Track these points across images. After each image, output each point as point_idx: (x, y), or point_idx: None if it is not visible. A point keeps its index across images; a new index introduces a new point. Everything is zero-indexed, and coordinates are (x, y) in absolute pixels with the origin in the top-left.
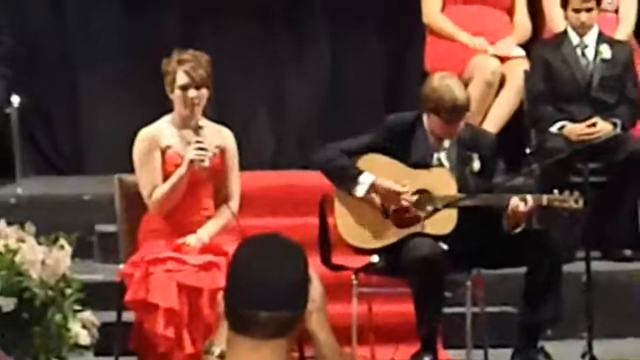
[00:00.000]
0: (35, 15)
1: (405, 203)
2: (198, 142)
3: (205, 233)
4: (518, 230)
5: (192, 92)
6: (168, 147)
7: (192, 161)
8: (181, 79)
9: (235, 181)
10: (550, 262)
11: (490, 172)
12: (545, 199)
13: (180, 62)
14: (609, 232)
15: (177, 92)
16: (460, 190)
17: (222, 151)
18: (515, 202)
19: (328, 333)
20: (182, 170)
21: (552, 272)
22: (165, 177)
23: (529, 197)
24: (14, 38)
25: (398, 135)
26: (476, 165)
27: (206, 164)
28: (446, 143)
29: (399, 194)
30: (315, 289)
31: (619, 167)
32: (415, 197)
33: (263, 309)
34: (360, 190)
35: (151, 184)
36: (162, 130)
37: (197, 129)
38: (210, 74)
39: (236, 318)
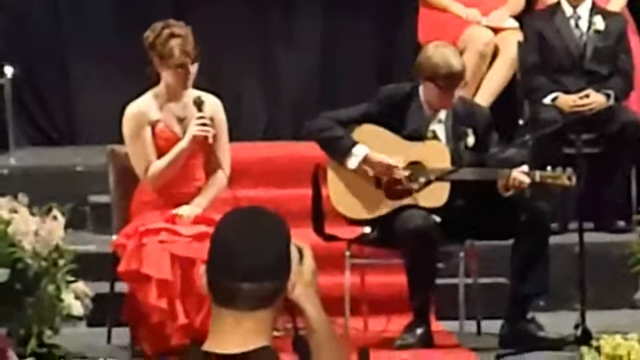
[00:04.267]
0: None
1: (397, 177)
2: (200, 117)
3: (197, 204)
4: (509, 193)
5: (192, 68)
6: (157, 121)
7: (194, 137)
8: (178, 58)
9: (226, 150)
10: (537, 233)
11: (484, 148)
12: (537, 175)
13: (172, 36)
14: (602, 203)
15: (173, 69)
16: (453, 164)
17: (211, 120)
18: (520, 176)
19: (318, 308)
20: (183, 145)
21: (538, 244)
22: (157, 150)
23: (533, 173)
24: (6, 10)
25: (393, 106)
26: (470, 140)
27: (210, 140)
28: (442, 115)
29: (391, 167)
30: (307, 265)
31: (612, 138)
32: (407, 172)
33: (246, 281)
34: (353, 163)
35: (145, 159)
36: (150, 105)
37: (199, 104)
38: (197, 45)
39: (219, 290)
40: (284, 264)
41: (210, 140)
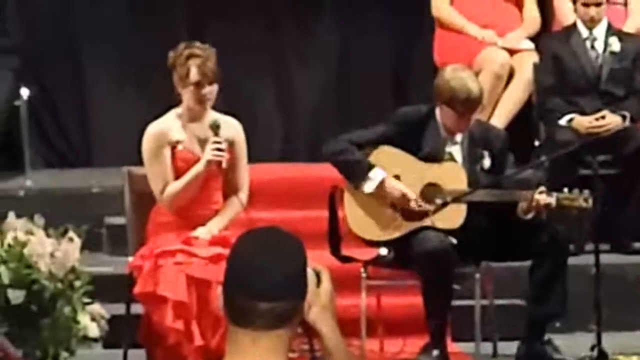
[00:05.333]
0: (44, 8)
1: (413, 207)
2: (216, 142)
3: (214, 225)
4: (529, 216)
5: (206, 89)
6: (177, 142)
7: (209, 162)
8: (194, 75)
9: (244, 173)
10: (556, 255)
11: (500, 169)
12: (554, 197)
13: (191, 56)
14: (618, 224)
15: (190, 88)
16: (470, 186)
17: (231, 143)
18: (544, 198)
19: (334, 331)
20: (198, 168)
21: (557, 266)
22: (175, 172)
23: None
24: (23, 31)
25: (410, 127)
26: (487, 162)
27: (224, 165)
28: (458, 137)
29: (406, 197)
30: (324, 287)
31: (628, 159)
32: (420, 203)
33: (262, 300)
34: (369, 187)
35: (162, 180)
36: (171, 126)
37: (215, 129)
38: (218, 68)
39: (235, 310)
40: (299, 284)
41: (225, 165)
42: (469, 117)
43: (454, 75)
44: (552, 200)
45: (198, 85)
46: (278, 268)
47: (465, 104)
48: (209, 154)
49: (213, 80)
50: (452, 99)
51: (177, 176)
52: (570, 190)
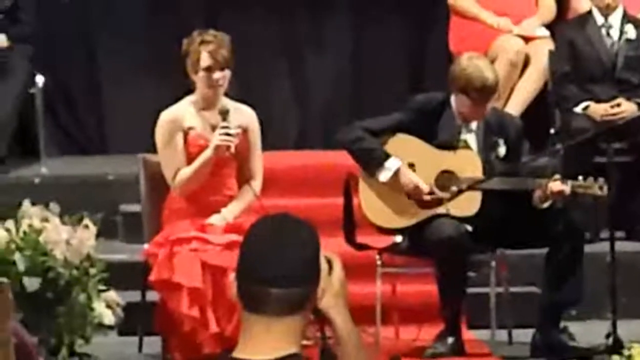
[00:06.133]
0: None
1: (426, 198)
2: (224, 127)
3: (229, 213)
4: (545, 205)
5: (216, 74)
6: (190, 128)
7: (218, 147)
8: (205, 60)
9: (258, 160)
10: (572, 242)
11: (516, 157)
12: (569, 184)
13: (203, 43)
14: (634, 212)
15: (201, 73)
16: (485, 174)
17: (245, 131)
18: (558, 185)
19: (346, 318)
20: (207, 154)
21: (574, 252)
22: (188, 158)
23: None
24: (38, 19)
25: (425, 115)
26: (502, 150)
27: (232, 150)
28: (473, 125)
29: (419, 189)
30: (336, 275)
31: None
32: (431, 197)
33: (275, 286)
34: (385, 176)
35: (174, 166)
36: (184, 112)
37: (224, 114)
38: (232, 54)
39: (248, 296)
40: (313, 270)
41: (232, 150)
42: (484, 105)
43: (470, 63)
44: (566, 187)
45: (209, 70)
46: (291, 254)
47: (481, 92)
48: (217, 139)
49: (225, 66)
50: (468, 86)
51: (190, 163)
52: (585, 178)
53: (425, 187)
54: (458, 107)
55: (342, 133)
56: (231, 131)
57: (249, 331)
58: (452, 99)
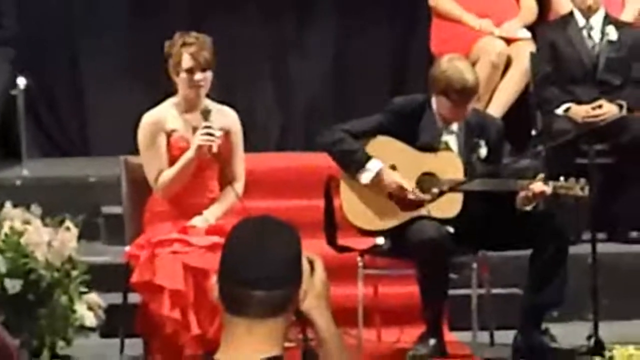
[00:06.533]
0: None
1: (411, 197)
2: (206, 127)
3: (211, 214)
4: (529, 208)
5: (198, 75)
6: (173, 130)
7: (200, 147)
8: (186, 62)
9: (240, 162)
10: (556, 244)
11: (497, 159)
12: (551, 186)
13: (185, 44)
14: (615, 213)
15: (182, 75)
16: (466, 175)
17: (227, 133)
18: (540, 185)
19: (328, 320)
20: (189, 154)
21: (557, 254)
22: (171, 160)
23: (549, 183)
24: (19, 21)
25: (406, 117)
26: (483, 151)
27: (214, 149)
28: (454, 126)
29: (403, 189)
30: (318, 276)
31: (624, 148)
32: (417, 194)
33: (257, 288)
34: (366, 177)
35: (157, 168)
36: (167, 114)
37: (205, 114)
38: (214, 56)
39: (230, 298)
40: (295, 272)
41: (215, 150)
42: (465, 107)
43: (450, 65)
44: (548, 188)
45: (190, 71)
46: (273, 256)
47: (461, 94)
48: (199, 139)
49: (207, 67)
50: (448, 88)
51: (173, 165)
52: (566, 179)
53: (408, 186)
54: (438, 109)
55: (323, 135)
56: (213, 131)
57: (230, 333)
58: (433, 100)
